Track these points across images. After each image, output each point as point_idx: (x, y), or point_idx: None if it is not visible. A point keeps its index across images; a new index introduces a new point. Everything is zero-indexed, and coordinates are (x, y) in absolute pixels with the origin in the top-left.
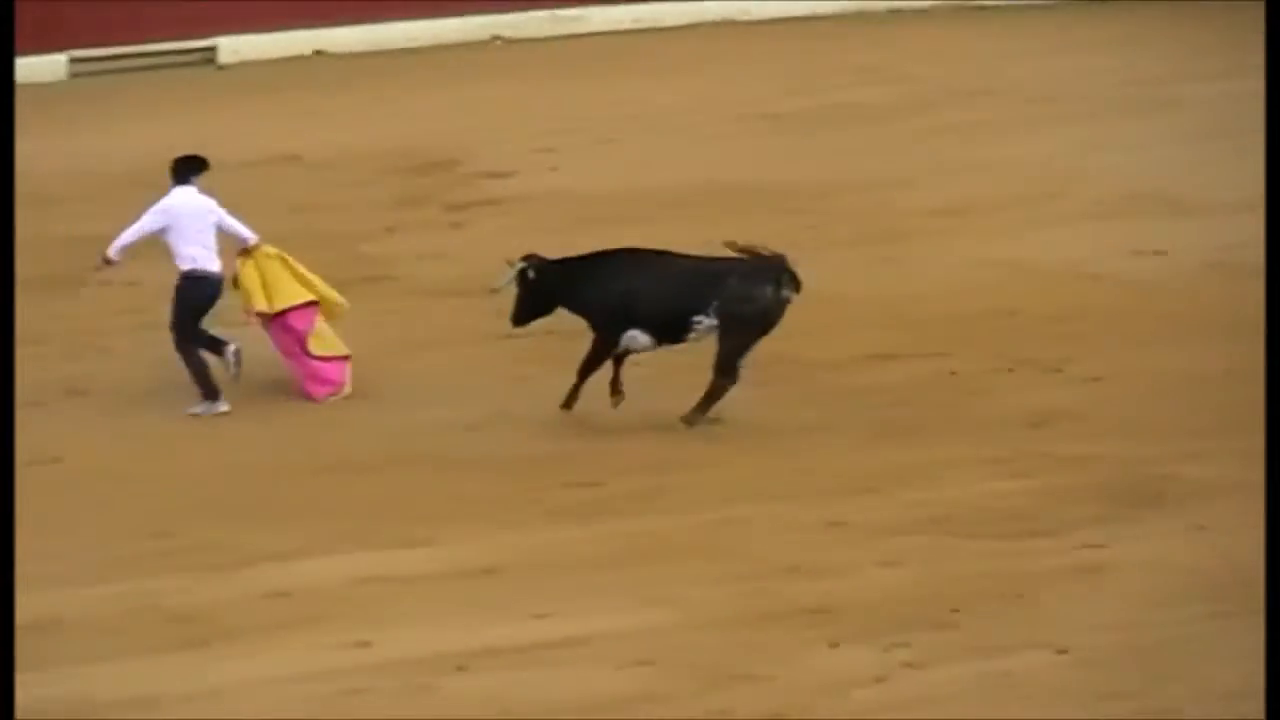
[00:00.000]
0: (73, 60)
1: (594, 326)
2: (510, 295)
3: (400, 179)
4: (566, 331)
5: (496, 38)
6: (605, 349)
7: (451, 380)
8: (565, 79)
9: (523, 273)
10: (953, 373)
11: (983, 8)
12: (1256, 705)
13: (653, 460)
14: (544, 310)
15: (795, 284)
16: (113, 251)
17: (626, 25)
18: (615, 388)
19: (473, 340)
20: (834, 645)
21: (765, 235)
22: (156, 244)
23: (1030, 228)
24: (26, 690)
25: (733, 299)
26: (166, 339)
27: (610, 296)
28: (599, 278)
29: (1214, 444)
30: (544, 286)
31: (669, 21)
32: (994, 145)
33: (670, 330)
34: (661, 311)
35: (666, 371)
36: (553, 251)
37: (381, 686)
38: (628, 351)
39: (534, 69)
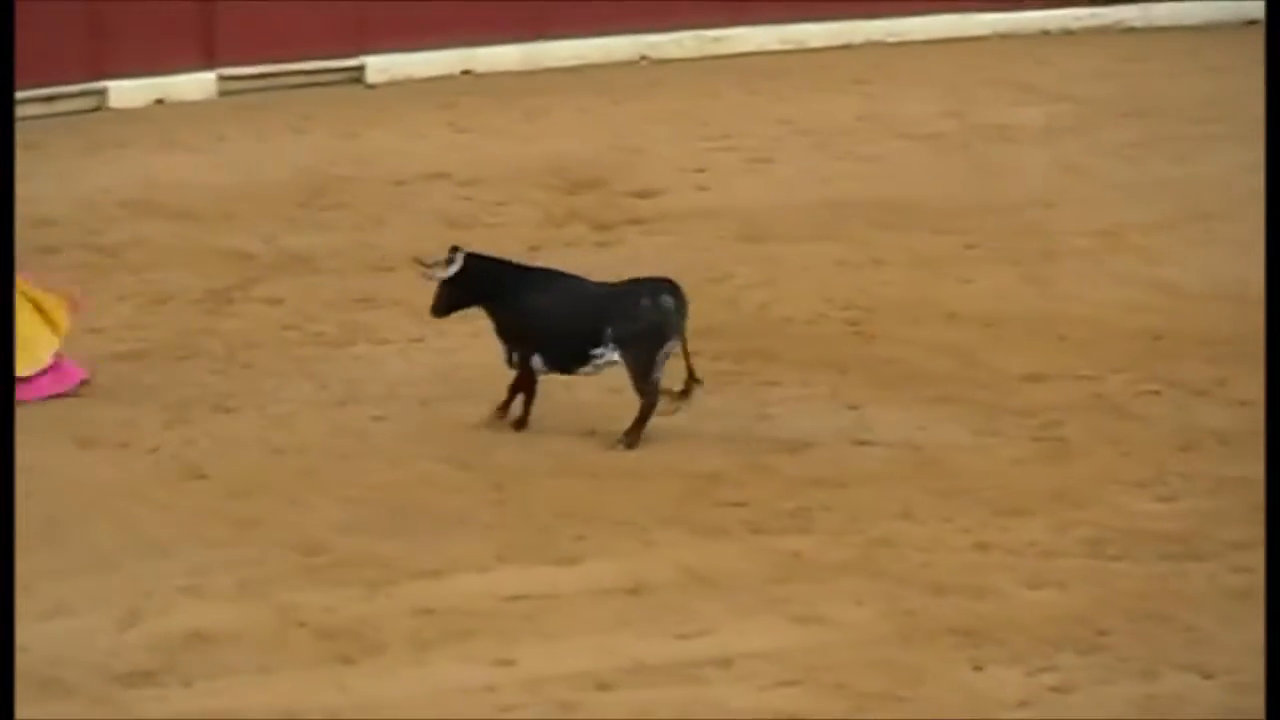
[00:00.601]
0: (221, 78)
1: (503, 337)
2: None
3: (548, 197)
4: (714, 352)
5: (644, 57)
6: (526, 366)
7: (599, 397)
8: (714, 98)
9: (450, 263)
10: (1102, 395)
11: (1131, 29)
12: None
13: (802, 478)
14: (464, 304)
15: (678, 295)
16: None
17: (773, 45)
18: (503, 410)
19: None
20: (979, 668)
21: (920, 255)
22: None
23: (1185, 250)
24: (176, 704)
25: (623, 321)
26: (314, 355)
27: (524, 313)
28: (520, 290)
29: None
30: (472, 282)
31: (816, 42)
32: (1152, 166)
33: (564, 360)
34: (558, 338)
35: (815, 394)
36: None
37: (526, 704)
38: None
39: (682, 88)
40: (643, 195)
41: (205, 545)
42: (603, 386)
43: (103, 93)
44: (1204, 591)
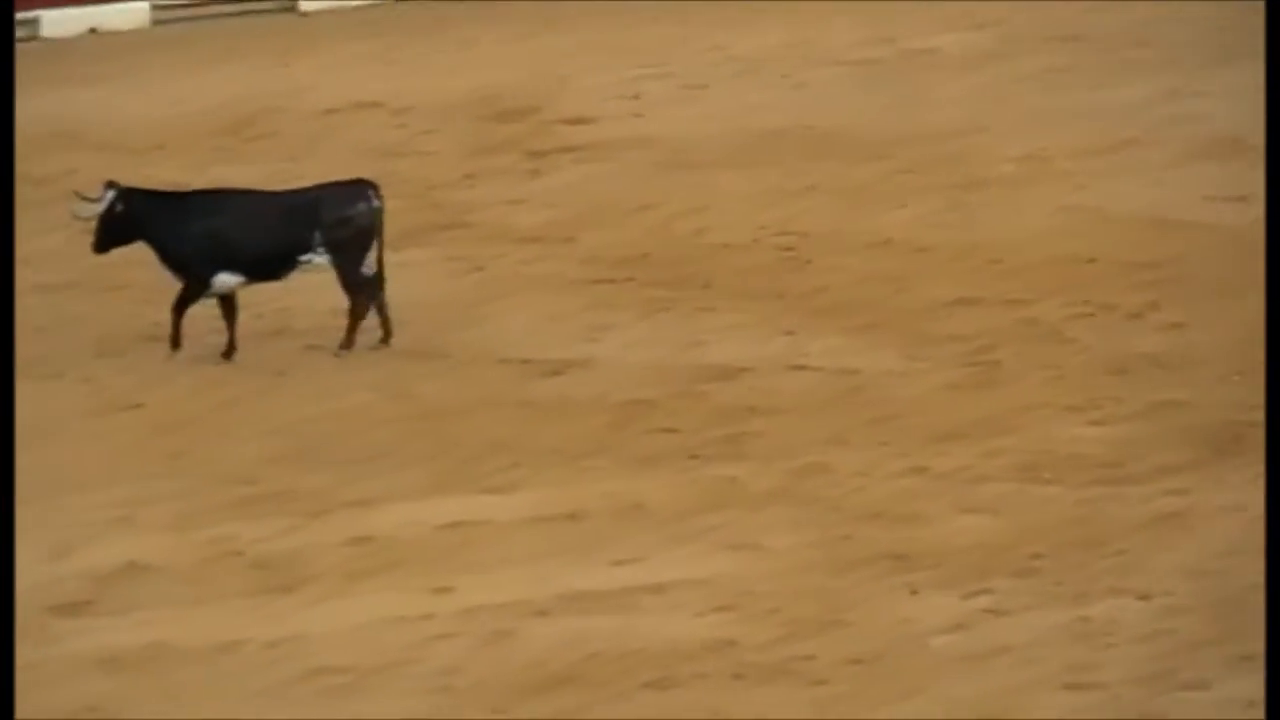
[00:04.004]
0: (155, 8)
1: (173, 267)
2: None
3: (480, 126)
4: (646, 279)
5: None
6: (195, 291)
7: (531, 327)
8: (647, 25)
9: (111, 204)
10: (1034, 320)
11: None
12: None
13: (735, 405)
14: (125, 240)
15: (379, 196)
16: None
17: None
18: (174, 338)
19: (552, 287)
20: (915, 592)
21: (850, 182)
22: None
23: (1112, 175)
24: (110, 635)
25: (332, 227)
26: (250, 286)
27: (194, 238)
28: (184, 217)
29: None
30: (129, 217)
31: None
32: (1079, 92)
33: (268, 269)
34: (255, 252)
35: (749, 320)
36: (632, 200)
37: (463, 632)
38: (225, 295)
39: (614, 17)
40: (575, 123)
41: (138, 477)
42: (526, 319)
43: (35, 22)
44: (1136, 516)
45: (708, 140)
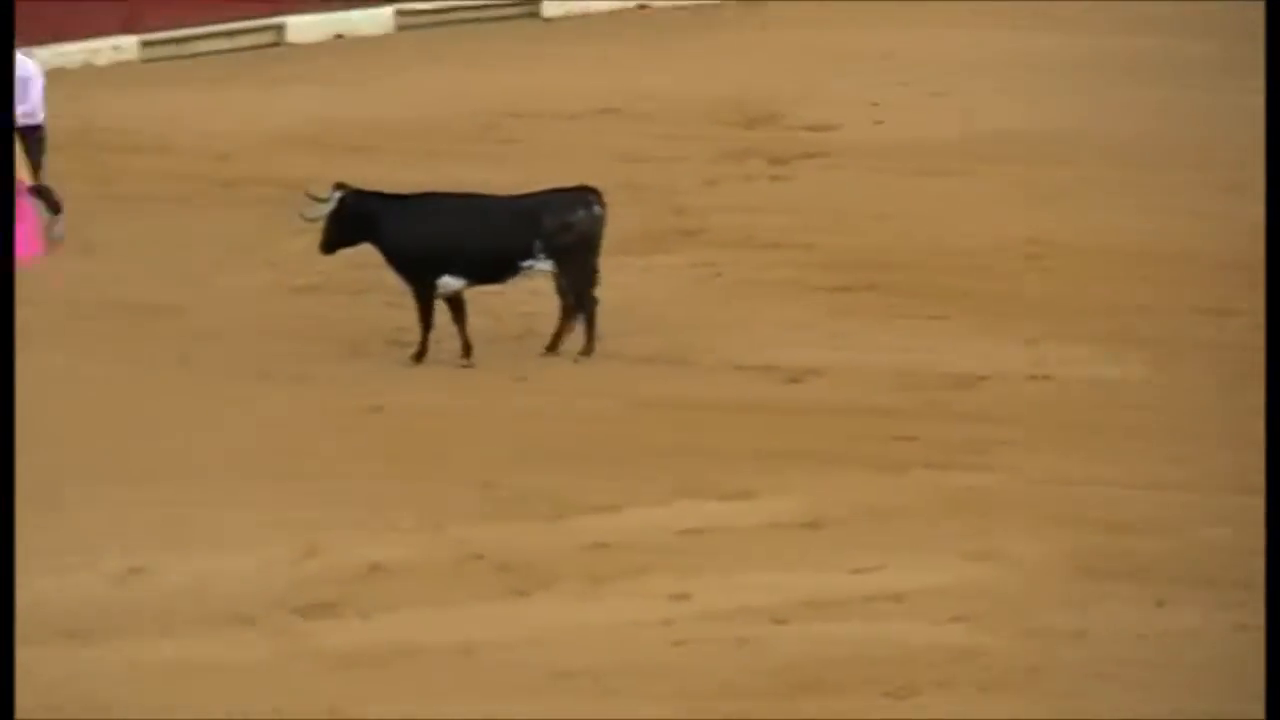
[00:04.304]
0: (399, 13)
1: (397, 268)
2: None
3: (722, 131)
4: (887, 287)
5: None
6: (424, 294)
7: (771, 333)
8: (891, 29)
9: (339, 205)
10: None
11: None
12: None
13: (975, 415)
14: (352, 241)
15: (602, 203)
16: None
17: None
18: (422, 347)
19: (793, 294)
20: (1161, 604)
21: (1092, 187)
22: None
23: None
24: (353, 635)
25: (553, 233)
26: (487, 289)
27: (417, 240)
28: (408, 219)
29: None
30: (356, 218)
31: None
32: None
33: (490, 273)
34: (477, 255)
35: (990, 328)
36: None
37: (700, 637)
38: (454, 297)
39: (858, 23)
40: (818, 129)
41: (383, 479)
42: (766, 325)
43: (281, 28)
44: None
45: (948, 146)
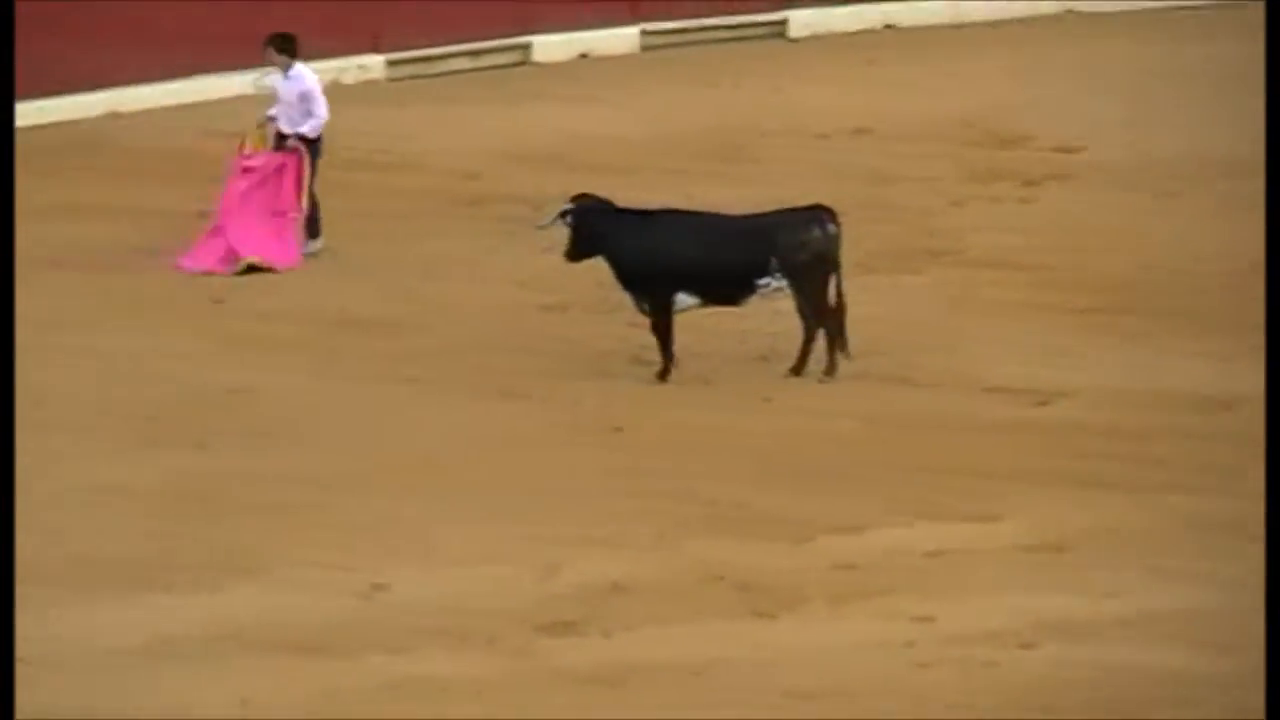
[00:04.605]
0: (644, 33)
1: (625, 283)
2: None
3: (971, 151)
4: (1135, 309)
5: (1070, 10)
6: (661, 313)
7: (1016, 354)
8: (1139, 49)
9: (562, 215)
10: None
11: None
12: None
13: (1221, 439)
14: (591, 252)
15: (836, 222)
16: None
17: None
18: (665, 366)
19: (1039, 315)
20: None
21: None
22: None
23: None
24: (593, 653)
25: (788, 252)
26: (727, 310)
27: (648, 255)
28: (640, 234)
29: None
30: (588, 229)
31: None
32: None
33: (724, 293)
34: (709, 273)
35: (1238, 352)
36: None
37: (946, 660)
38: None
39: (1107, 41)
40: (1067, 150)
41: (625, 497)
42: (1012, 346)
43: (527, 47)
44: None
45: (1199, 165)
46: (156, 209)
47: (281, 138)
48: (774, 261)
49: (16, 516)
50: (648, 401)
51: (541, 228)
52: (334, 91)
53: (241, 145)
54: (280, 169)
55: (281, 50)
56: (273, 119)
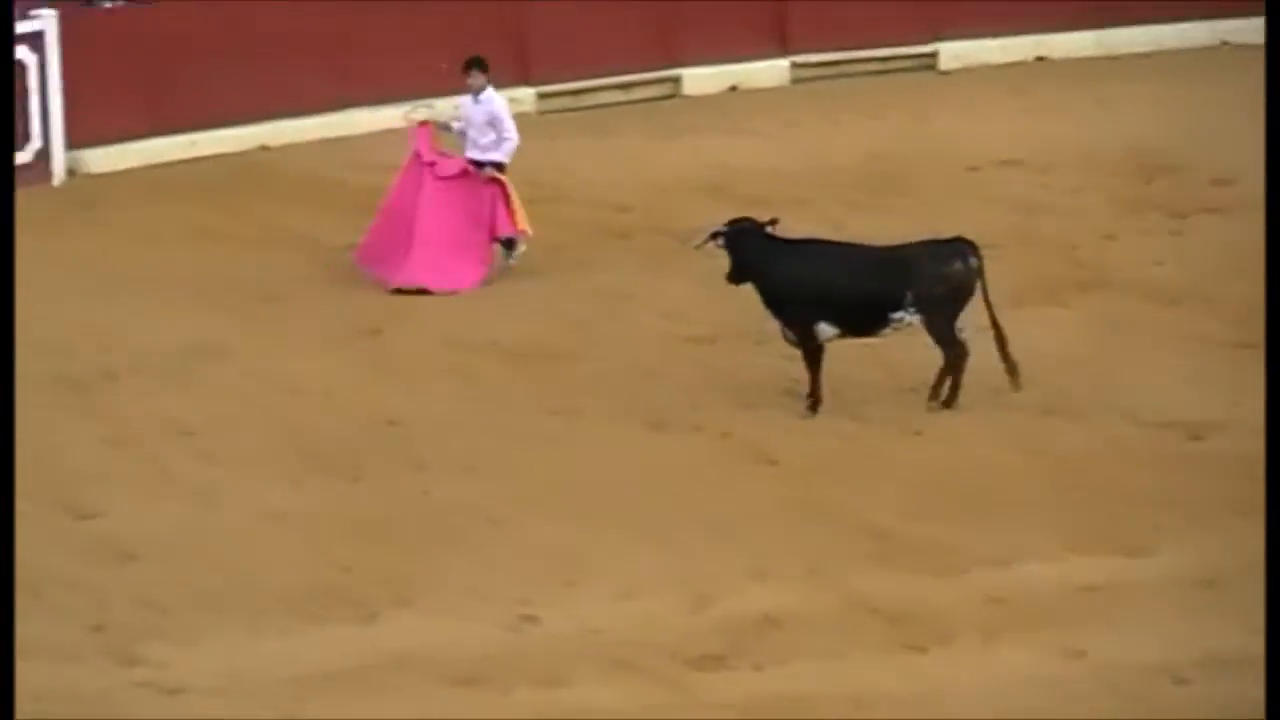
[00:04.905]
0: (795, 65)
1: (772, 309)
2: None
3: (1122, 184)
4: (1262, 341)
5: (1224, 42)
6: (807, 342)
7: (1169, 387)
8: None
9: (714, 235)
10: None
11: None
12: None
13: None
14: (745, 278)
15: (978, 254)
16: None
17: None
18: (814, 397)
19: (1192, 348)
20: None
21: None
22: None
23: None
24: (743, 688)
25: (929, 282)
26: (879, 340)
27: (792, 283)
28: (785, 261)
29: None
30: (741, 252)
31: None
32: None
33: (861, 323)
34: (847, 302)
35: None
36: None
37: (1096, 695)
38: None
39: (1261, 70)
40: (1220, 183)
41: (775, 529)
42: (1164, 379)
43: (677, 80)
44: None
45: None
46: (308, 239)
47: (473, 164)
48: (909, 295)
49: (184, 542)
50: (798, 433)
51: (696, 246)
52: None
53: (423, 123)
54: (478, 193)
55: (484, 71)
56: (461, 132)
